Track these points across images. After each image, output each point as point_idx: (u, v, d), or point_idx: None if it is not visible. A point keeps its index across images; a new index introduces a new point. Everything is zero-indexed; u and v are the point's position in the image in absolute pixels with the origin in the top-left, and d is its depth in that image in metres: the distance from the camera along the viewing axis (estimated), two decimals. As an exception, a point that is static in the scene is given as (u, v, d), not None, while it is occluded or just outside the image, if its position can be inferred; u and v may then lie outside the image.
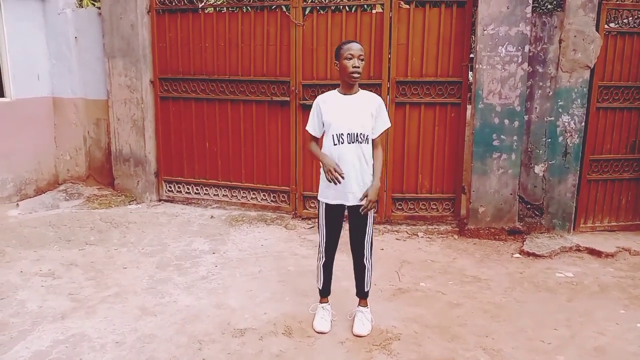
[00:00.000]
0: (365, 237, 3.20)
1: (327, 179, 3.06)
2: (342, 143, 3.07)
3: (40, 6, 6.03)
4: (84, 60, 6.10)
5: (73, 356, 2.95)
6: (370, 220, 3.18)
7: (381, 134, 3.19)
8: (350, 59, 2.99)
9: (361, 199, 3.09)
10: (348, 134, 3.06)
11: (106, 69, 5.93)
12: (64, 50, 6.09)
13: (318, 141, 3.23)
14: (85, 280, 3.98)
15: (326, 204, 3.20)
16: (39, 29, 6.06)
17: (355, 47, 3.01)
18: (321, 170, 3.20)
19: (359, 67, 3.00)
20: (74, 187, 6.26)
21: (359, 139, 3.07)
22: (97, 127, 6.24)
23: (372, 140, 3.15)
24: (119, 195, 6.03)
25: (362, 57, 3.02)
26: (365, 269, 3.26)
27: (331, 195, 3.15)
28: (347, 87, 3.12)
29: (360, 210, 3.07)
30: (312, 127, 3.20)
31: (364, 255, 3.23)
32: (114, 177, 6.16)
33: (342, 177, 3.02)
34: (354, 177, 3.10)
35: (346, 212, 3.22)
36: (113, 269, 4.19)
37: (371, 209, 3.08)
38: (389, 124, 3.22)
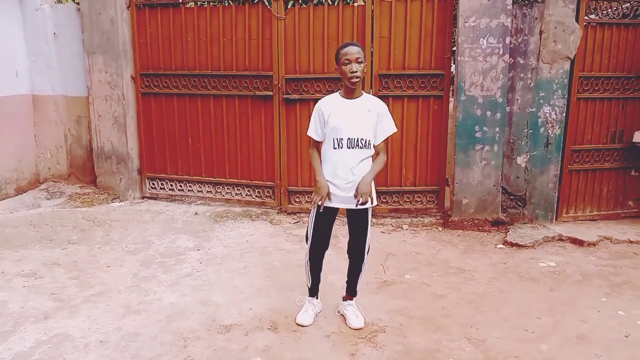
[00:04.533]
0: (365, 244, 3.20)
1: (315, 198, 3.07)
2: (341, 148, 3.03)
3: (17, 2, 5.90)
4: (63, 57, 6.00)
5: (56, 356, 2.91)
6: (369, 226, 3.17)
7: (384, 140, 3.12)
8: (348, 64, 2.95)
9: (355, 196, 3.01)
10: (348, 138, 3.02)
11: (86, 66, 5.84)
12: (42, 46, 5.98)
13: (320, 145, 3.17)
14: (68, 279, 3.93)
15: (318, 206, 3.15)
16: (17, 26, 5.93)
17: (352, 51, 2.96)
18: None
19: (357, 72, 2.95)
20: (56, 185, 6.17)
21: (359, 144, 3.03)
22: (78, 124, 6.15)
23: (374, 146, 3.10)
24: (101, 193, 5.96)
25: (360, 59, 2.96)
26: (361, 271, 3.30)
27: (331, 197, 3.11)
28: (349, 92, 3.07)
29: (356, 204, 3.00)
30: (313, 132, 3.14)
31: (362, 260, 3.25)
32: (96, 174, 6.08)
33: (323, 207, 3.05)
34: (353, 182, 3.04)
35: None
36: (96, 267, 4.15)
37: (365, 201, 2.99)
38: (394, 129, 3.14)
